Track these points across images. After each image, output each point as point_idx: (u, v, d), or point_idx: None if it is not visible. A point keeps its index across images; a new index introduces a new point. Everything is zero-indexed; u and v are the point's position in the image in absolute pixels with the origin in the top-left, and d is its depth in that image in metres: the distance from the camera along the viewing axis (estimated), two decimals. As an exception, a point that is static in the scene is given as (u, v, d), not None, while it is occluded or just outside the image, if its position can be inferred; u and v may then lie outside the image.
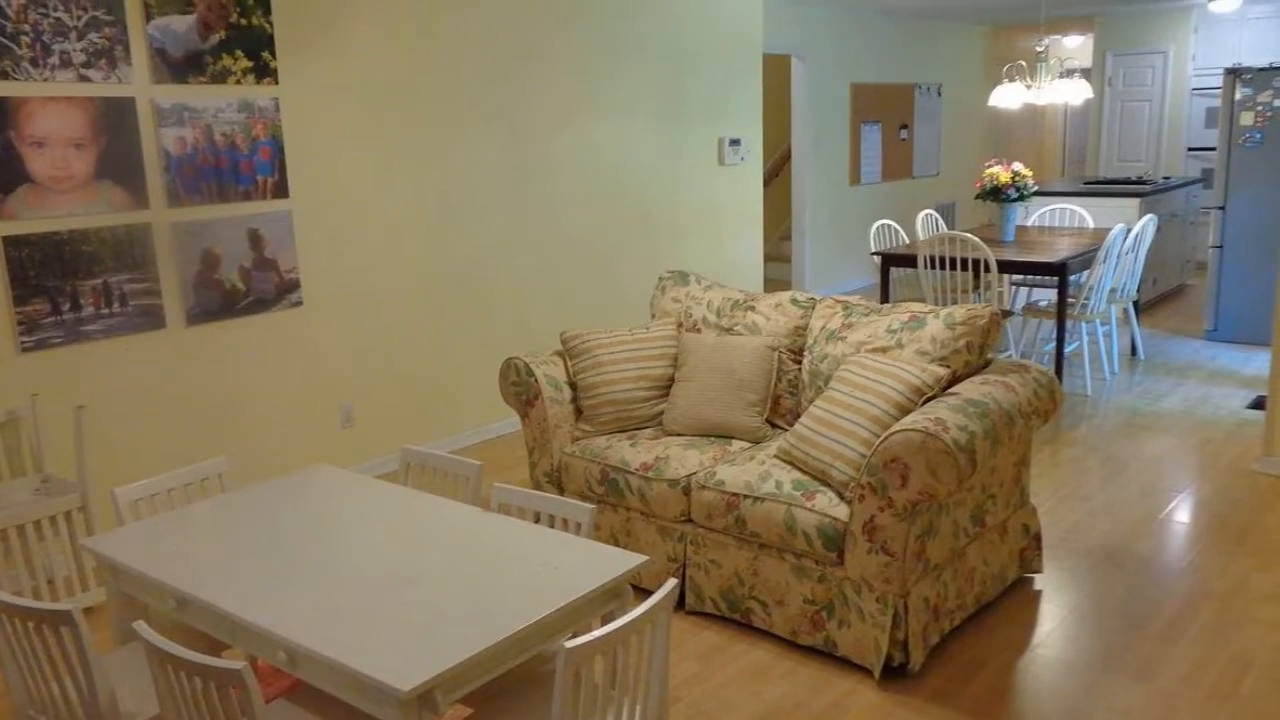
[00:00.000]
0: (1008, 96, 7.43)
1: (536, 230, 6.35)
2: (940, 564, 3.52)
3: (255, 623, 2.39)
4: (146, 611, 2.92)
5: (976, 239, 6.27)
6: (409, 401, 5.78)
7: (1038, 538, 4.09)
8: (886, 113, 11.31)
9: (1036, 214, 8.53)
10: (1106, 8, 11.01)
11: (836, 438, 3.56)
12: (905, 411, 3.52)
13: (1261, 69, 7.56)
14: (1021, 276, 7.80)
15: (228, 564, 2.72)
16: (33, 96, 4.15)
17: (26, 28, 4.10)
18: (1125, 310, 7.71)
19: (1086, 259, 6.55)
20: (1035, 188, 7.32)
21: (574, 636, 2.12)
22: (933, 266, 6.57)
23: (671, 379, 4.38)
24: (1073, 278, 6.44)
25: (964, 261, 6.42)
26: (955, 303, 6.62)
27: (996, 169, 7.03)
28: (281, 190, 5.00)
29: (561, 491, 4.33)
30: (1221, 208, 7.78)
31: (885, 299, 7.06)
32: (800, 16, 9.87)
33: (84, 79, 4.28)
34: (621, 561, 2.64)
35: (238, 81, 4.78)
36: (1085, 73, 12.84)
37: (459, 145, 5.82)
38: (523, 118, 6.16)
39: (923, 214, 7.84)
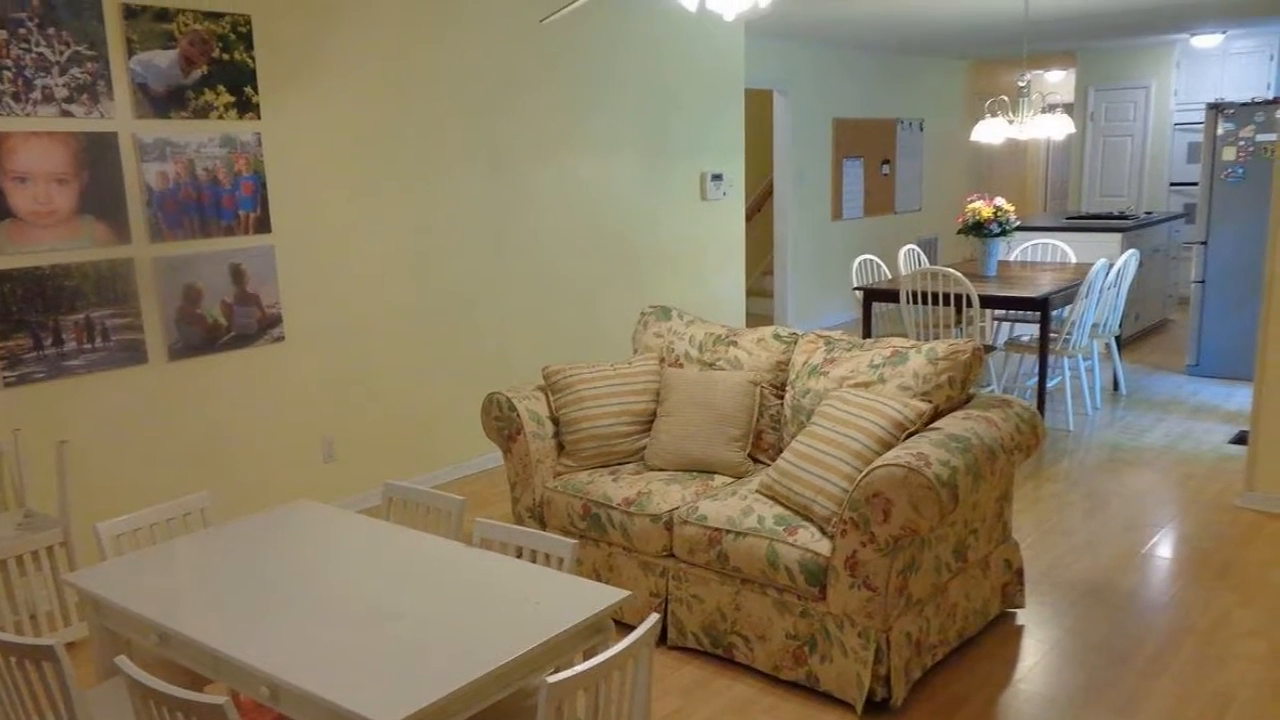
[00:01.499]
0: (990, 131, 7.49)
1: (519, 265, 6.37)
2: (922, 599, 3.52)
3: (237, 657, 2.38)
4: (129, 646, 2.90)
5: (959, 274, 6.31)
6: (391, 436, 5.76)
7: (1020, 573, 4.09)
8: (868, 148, 11.40)
9: (1019, 249, 8.59)
10: (1088, 43, 11.14)
11: (818, 473, 3.57)
12: (887, 446, 3.53)
13: (1244, 104, 7.63)
14: (1004, 311, 7.86)
15: (210, 599, 2.71)
16: (15, 131, 4.15)
17: (9, 63, 4.11)
18: (1107, 345, 7.75)
19: (1069, 294, 6.60)
20: (1017, 223, 7.37)
21: (556, 672, 2.11)
22: (915, 301, 6.60)
23: (654, 414, 4.38)
24: (1055, 313, 6.48)
25: (946, 296, 6.46)
26: (937, 338, 6.66)
27: (978, 204, 7.09)
28: (264, 225, 5.01)
29: (544, 526, 4.32)
30: (1204, 243, 7.83)
31: (867, 334, 7.09)
32: (782, 51, 9.96)
33: (66, 114, 4.29)
34: (603, 596, 2.63)
35: (220, 116, 4.80)
36: (1067, 107, 12.99)
37: (441, 180, 5.85)
38: (505, 152, 6.19)
39: (905, 249, 7.89)
